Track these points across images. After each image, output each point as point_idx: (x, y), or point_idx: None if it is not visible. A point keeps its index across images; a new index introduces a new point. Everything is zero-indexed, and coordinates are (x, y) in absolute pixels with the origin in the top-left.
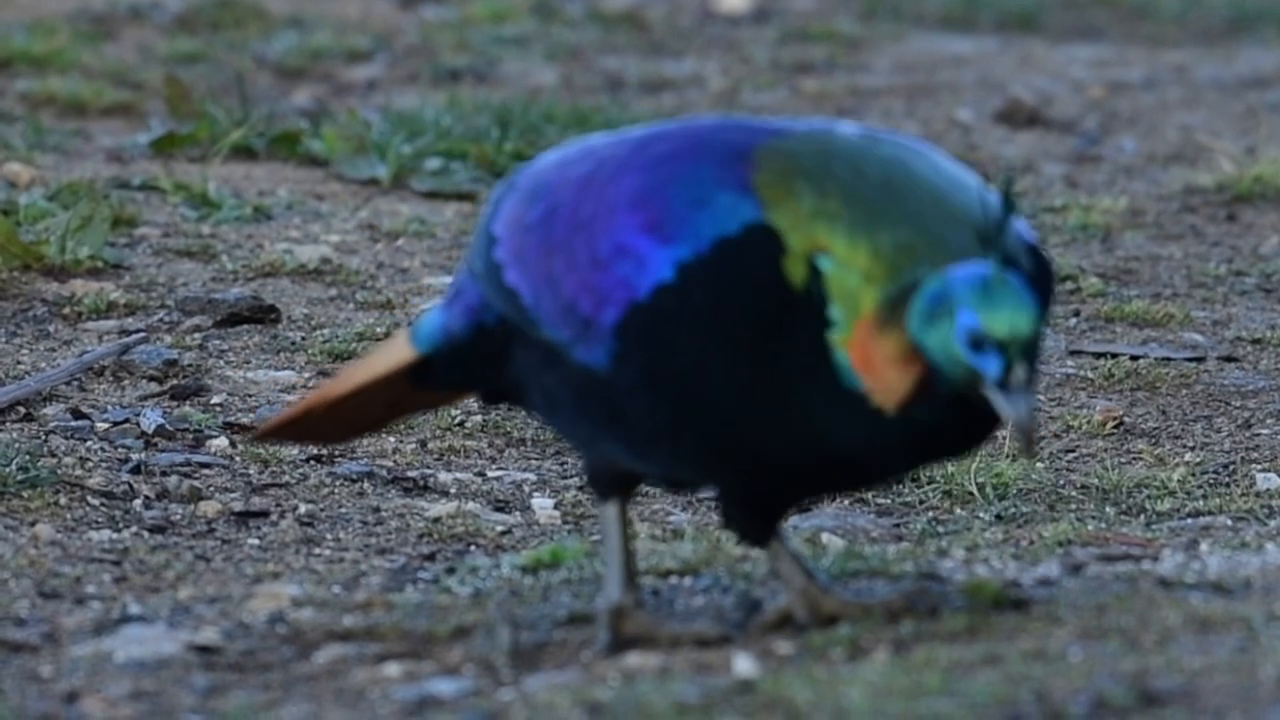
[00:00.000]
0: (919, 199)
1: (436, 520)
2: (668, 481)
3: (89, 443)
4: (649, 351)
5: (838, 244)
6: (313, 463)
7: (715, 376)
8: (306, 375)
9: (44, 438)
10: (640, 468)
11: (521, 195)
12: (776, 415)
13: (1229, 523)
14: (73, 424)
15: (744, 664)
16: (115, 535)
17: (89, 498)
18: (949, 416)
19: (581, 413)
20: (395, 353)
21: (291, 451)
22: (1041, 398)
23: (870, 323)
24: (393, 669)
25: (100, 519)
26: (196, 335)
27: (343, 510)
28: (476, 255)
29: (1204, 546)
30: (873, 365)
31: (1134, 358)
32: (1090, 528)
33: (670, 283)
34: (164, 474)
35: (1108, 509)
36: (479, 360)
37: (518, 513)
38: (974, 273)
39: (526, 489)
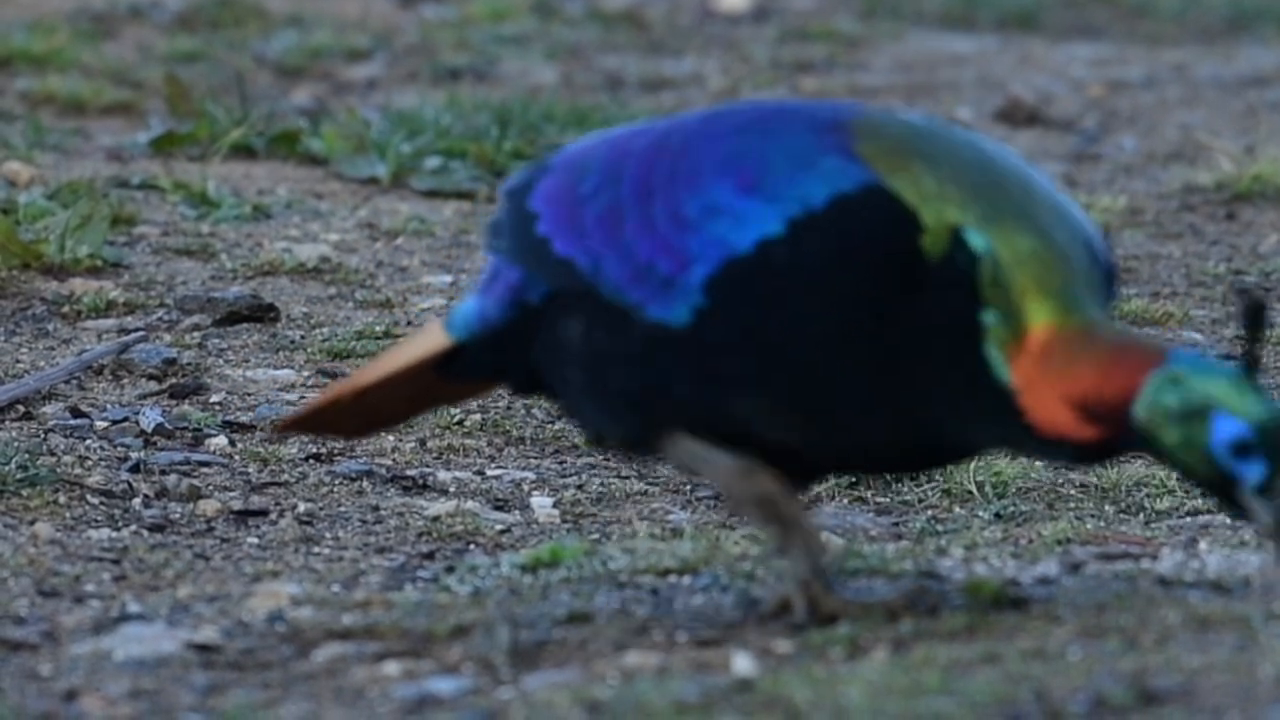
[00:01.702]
0: (1026, 196)
1: (436, 519)
2: (720, 433)
3: (88, 441)
4: (745, 304)
5: (975, 229)
6: (312, 462)
7: (820, 334)
8: (306, 374)
9: (43, 436)
10: (699, 422)
11: (564, 173)
12: (885, 383)
13: (1228, 521)
14: (72, 423)
15: (743, 663)
16: (114, 534)
17: (88, 496)
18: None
19: (644, 370)
20: (428, 341)
21: (291, 450)
22: None
23: (1045, 351)
24: (392, 668)
25: (99, 518)
26: (196, 334)
27: (342, 509)
28: (510, 235)
29: (1203, 545)
30: (1040, 396)
31: None
32: (1089, 526)
33: (779, 236)
34: (163, 473)
35: (1107, 507)
36: (516, 343)
37: (517, 511)
38: (1222, 371)
39: (525, 488)
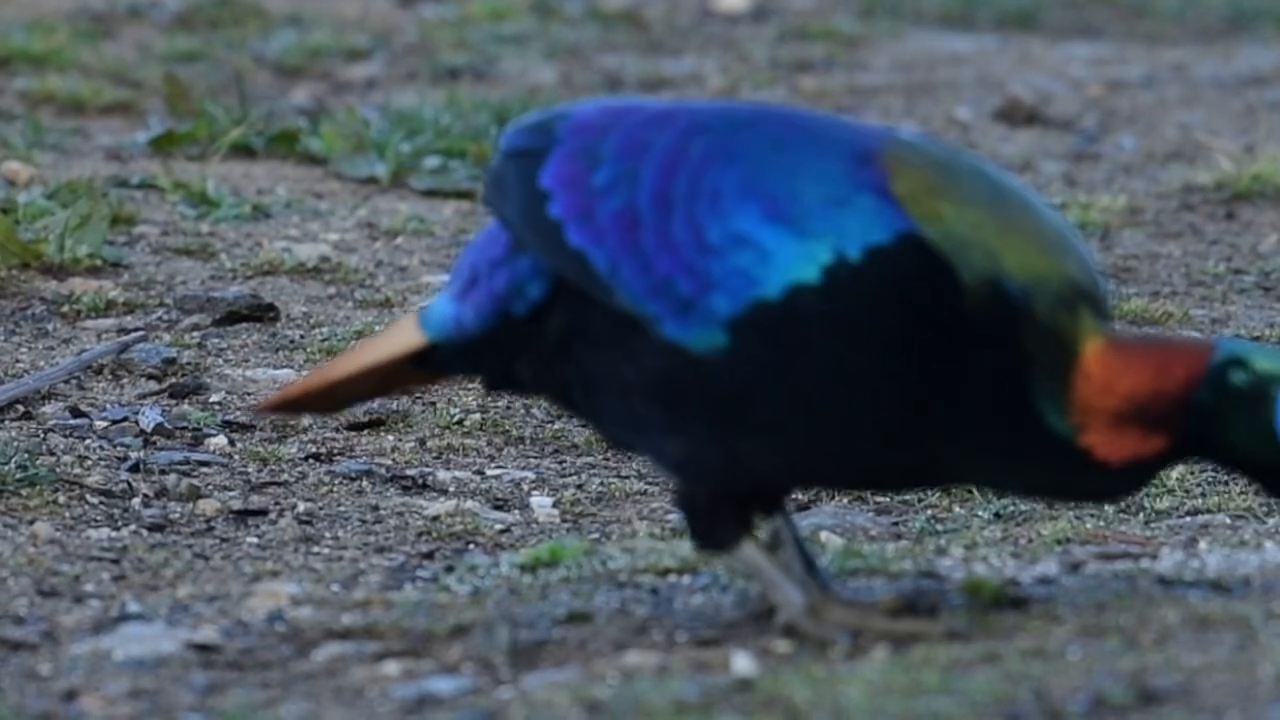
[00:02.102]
0: (1036, 224)
1: (435, 519)
2: (725, 468)
3: (88, 441)
4: (774, 349)
5: (1011, 278)
6: (311, 461)
7: (850, 386)
8: (305, 373)
9: (43, 436)
10: (714, 451)
11: (577, 153)
12: (918, 436)
13: (1228, 521)
14: (71, 422)
15: (743, 662)
16: (114, 533)
17: (88, 496)
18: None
19: (659, 391)
20: (402, 338)
21: (290, 450)
22: None
23: (1092, 381)
24: (391, 667)
25: (99, 517)
26: (195, 334)
27: (341, 509)
28: (517, 207)
29: (1203, 545)
30: (1100, 426)
31: None
32: (1089, 526)
33: (814, 285)
34: (163, 472)
35: (1106, 507)
36: (496, 350)
37: (516, 511)
38: (1276, 353)
39: (525, 487)
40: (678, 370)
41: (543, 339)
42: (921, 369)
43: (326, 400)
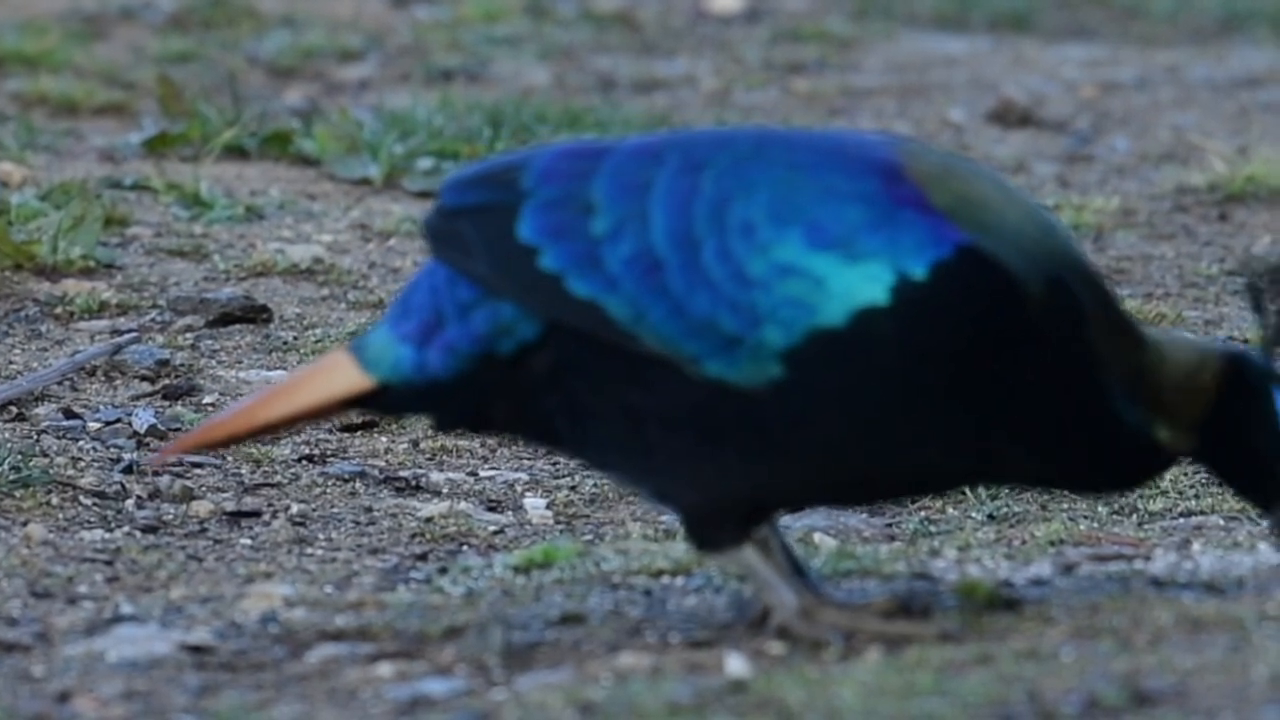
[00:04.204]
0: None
1: (429, 520)
2: (769, 500)
3: (81, 442)
4: (835, 376)
5: (1063, 274)
6: (304, 463)
7: (922, 402)
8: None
9: (36, 437)
10: (762, 491)
11: (558, 202)
12: (982, 444)
13: (1221, 522)
14: (65, 424)
15: (736, 664)
16: (107, 535)
17: (81, 497)
18: None
19: (690, 431)
20: (341, 379)
21: (283, 451)
22: None
23: (1153, 374)
24: (385, 669)
25: (92, 519)
26: (188, 335)
27: (335, 510)
28: (492, 264)
29: (1196, 546)
30: (1168, 417)
31: None
32: (1082, 527)
33: (882, 307)
34: (156, 474)
35: (1100, 509)
36: (471, 392)
37: (510, 513)
38: None
39: (519, 489)
40: (715, 404)
41: (526, 376)
42: (992, 378)
43: (244, 439)
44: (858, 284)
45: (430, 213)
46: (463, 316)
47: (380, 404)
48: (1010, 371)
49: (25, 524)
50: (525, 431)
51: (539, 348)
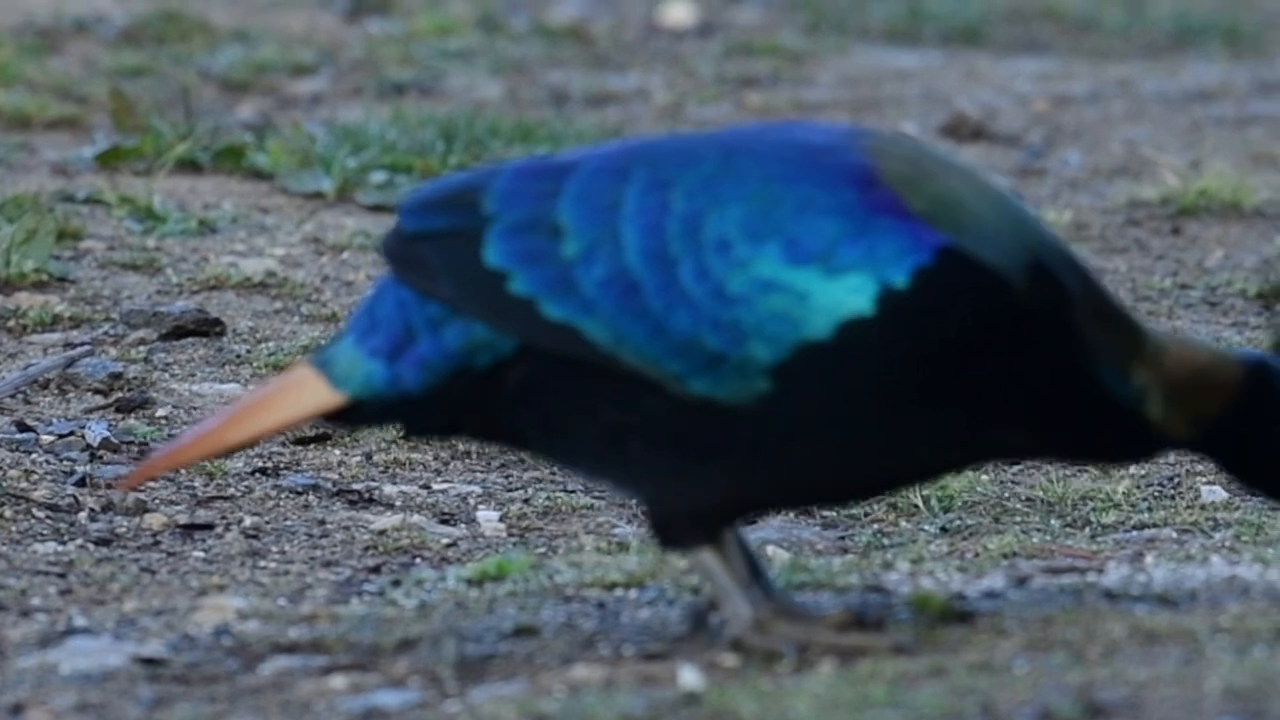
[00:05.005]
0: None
1: (382, 533)
2: (754, 506)
3: (34, 455)
4: (824, 387)
5: (1044, 256)
6: (258, 475)
7: (911, 405)
8: (252, 388)
9: None
10: (743, 499)
11: (525, 225)
12: (973, 436)
13: (1174, 535)
14: (17, 437)
15: (689, 676)
16: (60, 548)
17: (34, 510)
18: None
19: (672, 445)
20: (310, 398)
21: (236, 464)
22: None
23: (1147, 353)
24: (338, 681)
25: (45, 531)
26: (142, 348)
27: (288, 523)
28: (460, 288)
29: (1149, 559)
30: (1159, 398)
31: None
32: (1035, 540)
33: (867, 317)
34: (109, 487)
35: (1053, 521)
36: (445, 405)
37: (463, 525)
38: None
39: (472, 501)
40: (700, 420)
41: (501, 389)
42: (980, 373)
43: (214, 459)
44: (841, 296)
45: (389, 236)
46: (435, 331)
47: (350, 419)
48: (998, 363)
49: None
50: (498, 438)
51: (515, 362)
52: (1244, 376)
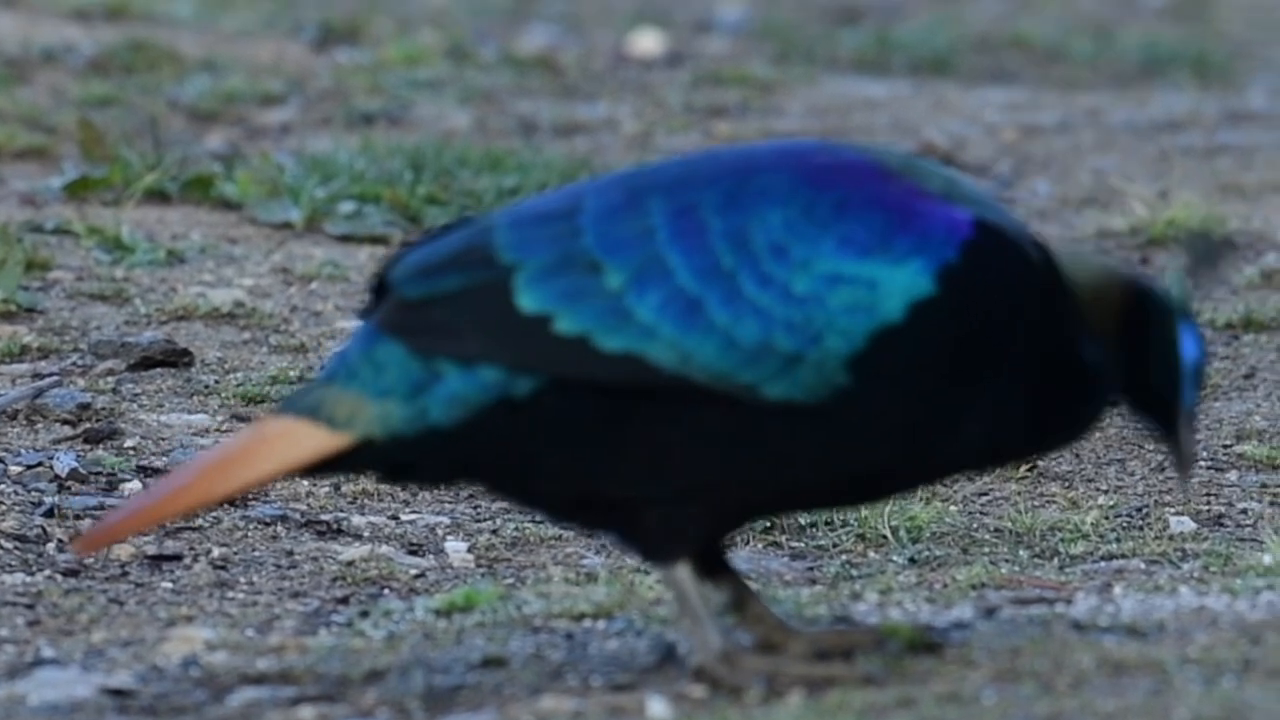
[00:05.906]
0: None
1: (350, 563)
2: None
3: (2, 486)
4: (901, 372)
5: (1035, 237)
6: (226, 506)
7: (970, 384)
8: (220, 419)
9: None
10: (773, 508)
11: (559, 266)
12: (1002, 409)
13: (1142, 566)
14: None
15: (657, 707)
16: (28, 579)
17: (2, 541)
18: None
19: (726, 454)
20: (308, 443)
21: None
22: None
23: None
24: (306, 712)
25: (13, 562)
26: (110, 379)
27: (256, 553)
28: (493, 339)
29: (1117, 590)
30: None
31: None
32: (1004, 571)
33: (933, 296)
34: (77, 517)
35: (1021, 552)
36: (476, 439)
37: (431, 556)
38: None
39: (440, 532)
40: (774, 425)
41: (540, 417)
42: (1026, 343)
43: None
44: (909, 280)
45: (389, 310)
46: (468, 368)
47: (353, 461)
48: (1036, 334)
49: None
50: (490, 476)
51: (554, 390)
52: (1126, 294)
